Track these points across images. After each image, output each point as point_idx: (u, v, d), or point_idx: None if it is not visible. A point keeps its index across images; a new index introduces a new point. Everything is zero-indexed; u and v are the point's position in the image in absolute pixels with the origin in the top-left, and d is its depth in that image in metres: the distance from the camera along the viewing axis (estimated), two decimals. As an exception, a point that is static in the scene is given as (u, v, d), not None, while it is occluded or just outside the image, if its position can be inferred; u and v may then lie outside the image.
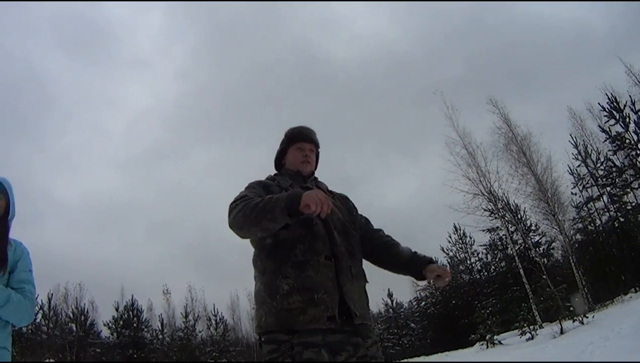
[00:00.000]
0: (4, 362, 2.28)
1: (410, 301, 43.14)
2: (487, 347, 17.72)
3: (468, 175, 23.16)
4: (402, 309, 43.60)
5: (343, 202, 2.62)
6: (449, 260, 38.11)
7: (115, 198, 65.48)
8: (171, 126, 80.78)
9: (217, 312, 40.54)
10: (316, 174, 2.73)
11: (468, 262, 37.51)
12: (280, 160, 2.73)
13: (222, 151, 76.50)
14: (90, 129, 71.49)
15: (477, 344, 18.92)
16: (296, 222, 2.16)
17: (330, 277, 2.21)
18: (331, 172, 2.74)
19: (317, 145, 2.72)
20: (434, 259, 2.56)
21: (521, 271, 22.36)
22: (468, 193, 22.63)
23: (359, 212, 2.70)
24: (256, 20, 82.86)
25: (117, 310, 37.60)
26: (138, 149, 76.98)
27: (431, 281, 2.48)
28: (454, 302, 35.21)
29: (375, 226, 2.69)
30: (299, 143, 2.64)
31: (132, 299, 38.23)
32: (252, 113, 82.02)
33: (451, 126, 24.01)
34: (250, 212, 2.13)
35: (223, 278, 59.38)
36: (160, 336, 38.95)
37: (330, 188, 2.68)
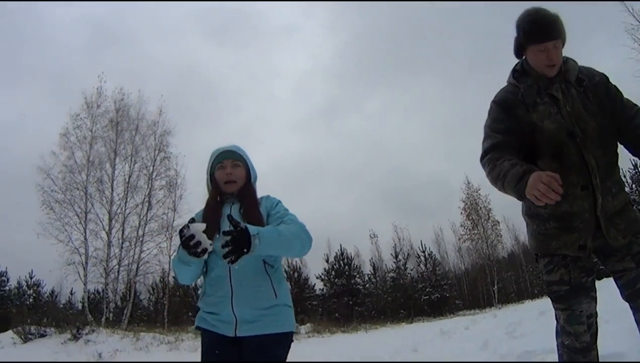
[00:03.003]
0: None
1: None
2: None
3: (660, 60, 19.98)
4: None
5: (595, 94, 2.31)
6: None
7: (302, 158, 70.51)
8: (336, 78, 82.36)
9: (425, 248, 40.12)
10: None
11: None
12: (520, 52, 2.42)
13: (391, 89, 75.64)
14: (261, 101, 75.80)
15: None
16: (548, 153, 2.23)
17: (587, 208, 2.20)
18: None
19: (562, 40, 2.29)
20: None
21: None
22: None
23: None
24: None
25: (327, 261, 39.12)
26: (311, 107, 79.83)
27: None
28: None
29: None
30: (540, 45, 2.25)
31: (340, 249, 39.40)
32: (409, 45, 79.62)
33: (626, 11, 20.10)
34: (494, 183, 2.21)
35: (425, 214, 59.69)
36: (373, 279, 40.06)
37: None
